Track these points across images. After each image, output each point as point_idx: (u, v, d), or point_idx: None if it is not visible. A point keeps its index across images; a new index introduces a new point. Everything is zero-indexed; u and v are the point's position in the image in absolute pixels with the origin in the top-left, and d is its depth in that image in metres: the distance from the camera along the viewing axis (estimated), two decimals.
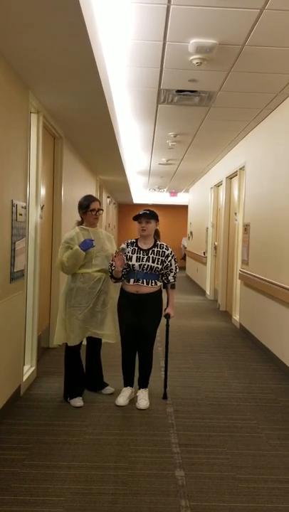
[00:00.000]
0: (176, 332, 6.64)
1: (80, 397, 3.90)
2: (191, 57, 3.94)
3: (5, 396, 3.59)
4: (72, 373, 3.96)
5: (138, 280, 3.83)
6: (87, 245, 3.79)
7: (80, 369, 4.03)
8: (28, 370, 4.31)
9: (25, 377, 4.12)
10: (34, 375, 4.43)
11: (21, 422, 3.52)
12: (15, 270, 3.65)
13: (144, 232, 3.86)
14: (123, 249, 3.84)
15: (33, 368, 4.39)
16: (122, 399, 3.90)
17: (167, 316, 3.98)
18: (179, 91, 4.93)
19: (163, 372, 4.36)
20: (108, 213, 13.18)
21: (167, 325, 4.06)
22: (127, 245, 3.91)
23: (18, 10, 2.60)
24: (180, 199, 16.53)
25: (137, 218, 3.89)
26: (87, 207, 3.94)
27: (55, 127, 5.16)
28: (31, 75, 3.68)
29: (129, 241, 3.95)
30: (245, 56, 3.92)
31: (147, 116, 5.99)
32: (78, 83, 3.90)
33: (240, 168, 7.34)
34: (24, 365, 4.19)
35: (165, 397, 4.05)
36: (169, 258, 3.88)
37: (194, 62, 3.98)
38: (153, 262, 3.82)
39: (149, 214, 3.88)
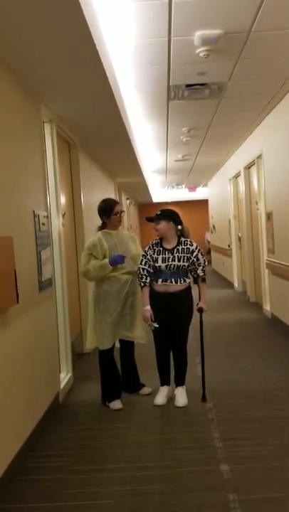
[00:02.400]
0: (208, 327, 6.55)
1: (119, 400, 3.91)
2: (198, 50, 3.90)
3: (45, 404, 3.64)
4: (109, 377, 3.98)
5: (166, 280, 3.80)
6: (116, 261, 3.82)
7: (116, 372, 4.05)
8: (65, 377, 4.35)
9: (62, 385, 4.16)
10: (71, 381, 4.48)
11: (63, 428, 3.56)
12: (43, 279, 3.70)
13: (157, 232, 3.87)
14: (151, 324, 3.81)
15: (69, 375, 4.44)
16: (160, 398, 3.90)
17: (200, 311, 3.89)
18: (188, 85, 4.90)
19: (198, 369, 4.33)
20: (129, 214, 13.22)
21: (201, 320, 3.96)
22: (152, 246, 3.88)
23: (21, 19, 2.63)
24: (199, 194, 16.44)
25: (148, 220, 3.97)
26: (111, 211, 3.96)
27: (69, 134, 5.20)
28: (41, 85, 3.71)
29: (154, 241, 3.92)
30: (252, 43, 3.87)
31: (159, 114, 5.97)
32: (88, 89, 3.91)
33: (258, 157, 7.25)
34: (60, 372, 4.23)
35: (204, 399, 3.91)
36: (195, 253, 3.83)
37: (201, 54, 3.95)
38: (179, 260, 3.79)
39: (158, 216, 3.86)
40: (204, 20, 3.45)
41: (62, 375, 4.27)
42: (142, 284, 3.84)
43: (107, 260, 3.81)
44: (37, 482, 2.83)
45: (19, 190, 3.36)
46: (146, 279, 3.82)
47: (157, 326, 3.77)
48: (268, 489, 2.61)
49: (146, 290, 3.84)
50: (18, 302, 2.97)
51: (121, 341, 4.08)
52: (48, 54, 3.11)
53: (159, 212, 3.90)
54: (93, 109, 4.57)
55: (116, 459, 3.05)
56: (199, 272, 3.86)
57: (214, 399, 3.95)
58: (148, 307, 3.80)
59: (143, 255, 3.87)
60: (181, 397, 3.89)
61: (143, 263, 3.84)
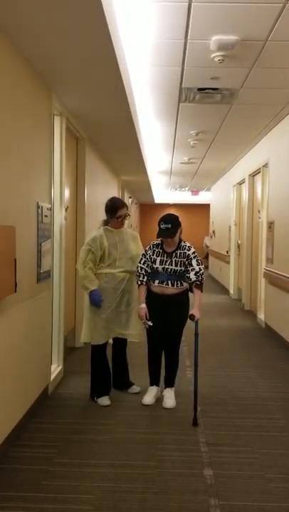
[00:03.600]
0: (201, 332, 6.59)
1: (107, 396, 3.92)
2: (213, 55, 3.92)
3: (34, 395, 3.64)
4: (99, 372, 3.98)
5: (162, 282, 3.80)
6: (93, 300, 3.79)
7: (107, 368, 4.06)
8: (56, 369, 4.35)
9: (52, 377, 4.16)
10: (61, 374, 4.48)
11: (50, 420, 3.56)
12: (41, 271, 3.70)
13: (170, 243, 3.81)
14: (145, 323, 3.79)
15: (60, 368, 4.44)
16: (149, 398, 3.91)
17: (191, 318, 3.70)
18: (200, 89, 4.91)
19: (189, 372, 4.33)
20: (130, 214, 13.21)
21: (196, 332, 3.67)
22: (152, 247, 3.87)
23: (39, 13, 2.63)
24: (202, 198, 16.47)
25: (159, 235, 3.76)
26: (114, 212, 3.93)
27: (77, 129, 5.20)
28: (54, 77, 3.71)
29: (154, 243, 3.89)
30: (267, 52, 3.88)
31: (169, 115, 5.98)
32: (101, 84, 3.92)
33: (264, 166, 7.27)
34: (51, 364, 4.23)
35: (195, 423, 3.53)
36: (190, 257, 3.77)
37: (216, 59, 3.96)
38: (176, 265, 3.77)
39: (171, 231, 3.71)
40: (222, 26, 3.46)
41: (52, 367, 4.27)
42: (139, 283, 3.84)
43: (92, 288, 3.77)
44: (20, 471, 2.83)
45: (25, 180, 3.36)
46: (143, 277, 3.83)
47: (151, 324, 3.77)
48: (250, 498, 2.61)
49: (143, 289, 3.85)
50: (15, 291, 2.97)
51: (114, 338, 4.08)
52: (64, 47, 3.11)
53: (169, 226, 3.71)
54: (104, 105, 4.57)
55: (100, 454, 3.05)
56: (192, 276, 3.73)
57: (203, 403, 3.94)
58: (143, 305, 3.80)
59: (143, 254, 3.89)
60: (169, 399, 3.90)
61: (142, 262, 3.85)
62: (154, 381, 4.00)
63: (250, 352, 5.69)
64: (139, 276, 3.84)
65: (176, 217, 3.86)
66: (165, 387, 3.98)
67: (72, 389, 4.24)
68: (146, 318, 3.78)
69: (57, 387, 4.24)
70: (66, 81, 3.84)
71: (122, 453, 3.08)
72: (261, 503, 2.56)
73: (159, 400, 3.94)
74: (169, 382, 3.99)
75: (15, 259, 2.96)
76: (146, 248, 3.91)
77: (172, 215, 3.91)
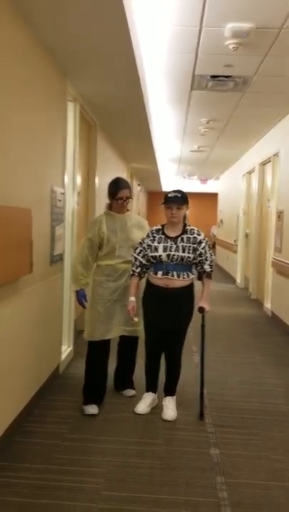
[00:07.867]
0: (207, 319, 6.65)
1: (95, 405, 3.41)
2: (227, 42, 3.92)
3: (46, 373, 3.75)
4: (91, 375, 3.51)
5: (167, 273, 3.30)
6: (78, 301, 3.58)
7: (102, 372, 3.55)
8: (66, 350, 4.45)
9: (63, 357, 4.27)
10: (71, 355, 4.57)
11: (61, 398, 3.67)
12: (54, 254, 3.77)
13: (175, 219, 3.32)
14: (131, 317, 3.39)
15: (70, 349, 4.54)
16: (142, 407, 3.45)
17: (201, 311, 3.40)
18: (213, 76, 4.92)
19: (195, 357, 4.38)
20: (138, 201, 13.25)
21: (203, 323, 3.45)
22: (152, 233, 3.39)
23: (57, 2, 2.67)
24: (209, 187, 16.44)
25: (166, 202, 3.33)
26: (114, 194, 3.52)
27: (90, 115, 5.24)
28: (69, 62, 3.74)
29: (154, 228, 3.42)
30: (282, 40, 3.88)
31: (180, 102, 5.98)
32: (115, 71, 3.94)
33: (274, 155, 7.26)
34: (62, 345, 4.33)
35: (202, 417, 3.41)
36: (202, 244, 3.34)
37: (230, 47, 3.97)
38: (183, 251, 3.29)
39: (180, 198, 3.30)
40: (237, 13, 3.47)
41: (63, 348, 4.37)
42: (131, 273, 3.41)
43: (75, 288, 3.56)
44: (33, 445, 2.93)
45: (40, 164, 3.42)
46: (136, 268, 3.39)
47: (136, 319, 3.39)
48: (255, 476, 2.70)
49: (135, 280, 3.40)
50: (31, 272, 3.05)
51: (121, 337, 3.66)
52: (80, 34, 3.13)
53: (178, 195, 3.31)
54: (117, 92, 4.59)
55: (110, 431, 3.15)
56: (206, 267, 3.36)
57: (208, 387, 4.00)
58: (133, 298, 3.36)
59: (139, 243, 3.41)
60: (169, 409, 3.42)
61: (137, 251, 3.39)
62: (150, 387, 3.52)
63: (256, 339, 5.76)
64: (132, 267, 3.40)
65: (186, 195, 3.39)
66: (165, 396, 3.51)
67: (81, 369, 4.23)
68: (134, 314, 3.36)
69: (67, 367, 4.34)
70: (81, 67, 3.87)
71: (130, 431, 3.18)
72: (267, 482, 2.64)
73: (158, 407, 3.50)
74: (170, 390, 3.51)
75: (31, 241, 3.03)
76: (144, 236, 3.42)
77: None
